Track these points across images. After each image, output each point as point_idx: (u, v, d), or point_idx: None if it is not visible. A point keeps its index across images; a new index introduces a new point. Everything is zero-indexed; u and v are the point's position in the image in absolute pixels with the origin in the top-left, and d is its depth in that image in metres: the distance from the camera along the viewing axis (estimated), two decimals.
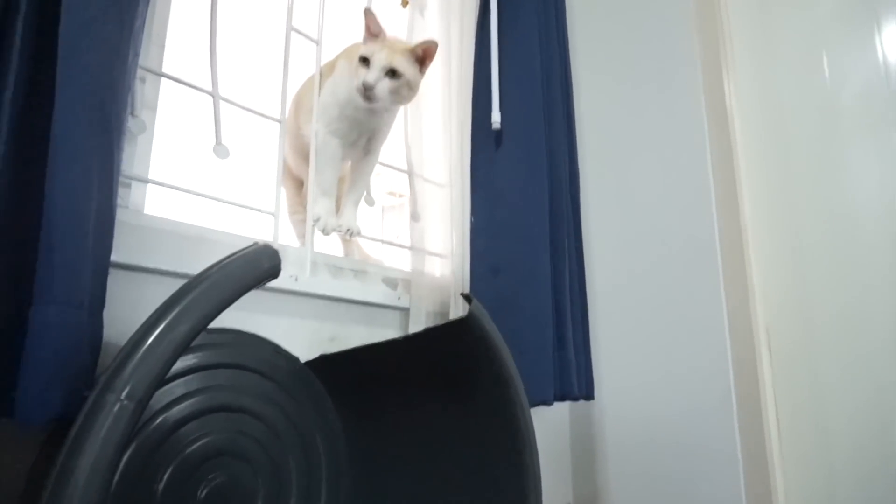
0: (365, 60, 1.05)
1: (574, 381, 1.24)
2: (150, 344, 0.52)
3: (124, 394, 0.49)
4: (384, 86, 1.06)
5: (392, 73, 1.06)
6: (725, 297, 1.38)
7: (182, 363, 0.86)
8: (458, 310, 1.22)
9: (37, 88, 0.63)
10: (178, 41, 1.03)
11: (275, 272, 0.62)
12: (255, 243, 0.64)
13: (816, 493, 1.30)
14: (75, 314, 0.60)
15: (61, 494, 0.46)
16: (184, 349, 0.54)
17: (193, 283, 0.57)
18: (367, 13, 1.05)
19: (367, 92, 1.04)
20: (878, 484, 1.28)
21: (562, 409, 1.52)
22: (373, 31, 1.06)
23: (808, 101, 1.57)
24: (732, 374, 1.34)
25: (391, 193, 2.31)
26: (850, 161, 1.51)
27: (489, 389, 0.91)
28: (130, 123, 0.83)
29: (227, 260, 0.60)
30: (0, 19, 0.62)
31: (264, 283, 0.63)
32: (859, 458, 1.29)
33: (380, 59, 1.04)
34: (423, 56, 1.10)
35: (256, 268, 0.61)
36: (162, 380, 0.52)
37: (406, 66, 1.07)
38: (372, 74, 1.03)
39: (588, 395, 1.31)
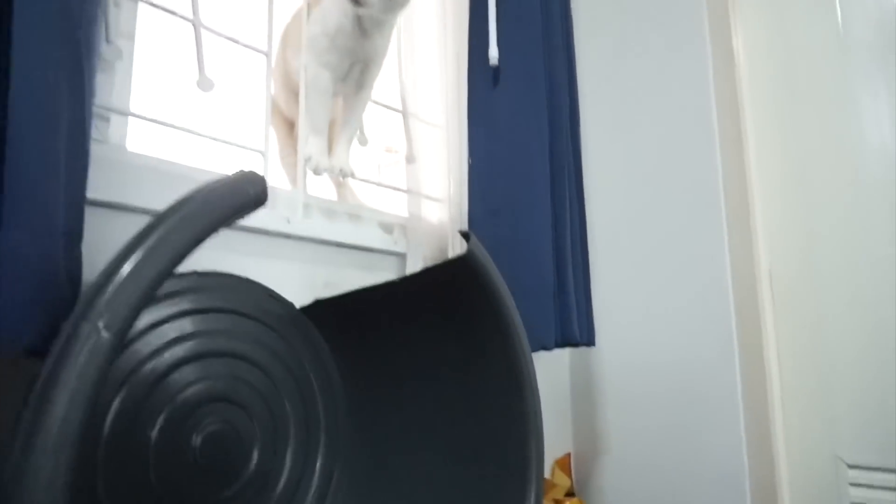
0: None
1: (575, 327, 1.22)
2: (130, 271, 0.48)
3: (101, 322, 0.45)
4: (377, 12, 1.00)
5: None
6: (728, 240, 1.36)
7: (173, 306, 0.82)
8: (455, 252, 1.19)
9: None
10: None
11: (260, 199, 0.58)
12: (241, 171, 0.59)
13: (817, 439, 1.30)
14: (49, 243, 0.56)
15: (39, 427, 0.43)
16: (164, 277, 0.50)
17: (175, 207, 0.53)
18: None
19: (358, 6, 0.98)
20: (880, 429, 1.28)
21: (561, 355, 1.50)
22: None
23: (818, 42, 1.51)
24: (734, 319, 1.32)
25: (388, 150, 2.25)
26: (859, 104, 1.46)
27: (489, 330, 0.88)
28: (104, 50, 0.77)
29: (210, 185, 0.56)
30: None
31: (251, 211, 0.58)
32: (861, 402, 1.28)
33: None
34: None
35: (241, 194, 0.57)
36: (141, 308, 0.48)
37: None
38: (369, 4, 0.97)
39: (589, 340, 1.29)
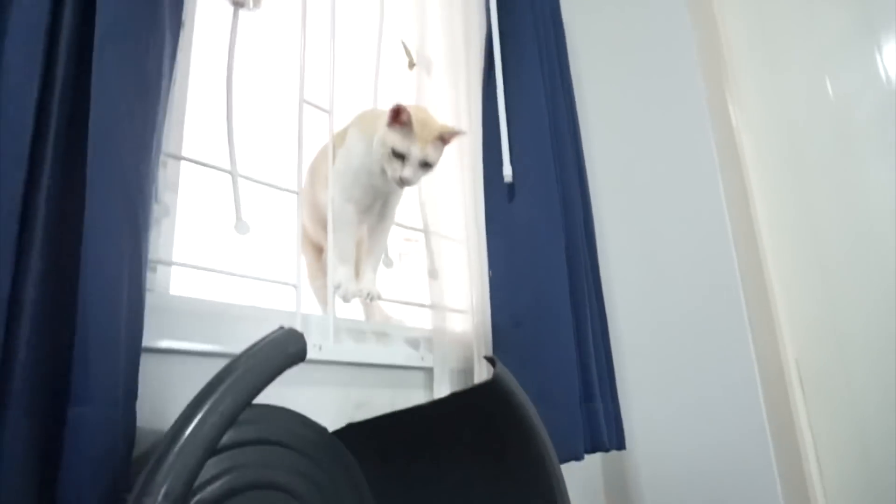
0: (399, 156, 1.08)
1: (604, 432, 1.23)
2: (183, 443, 0.52)
3: (161, 495, 0.49)
4: (418, 175, 1.11)
5: (425, 164, 1.10)
6: (752, 333, 1.37)
7: None
8: (481, 366, 1.22)
9: (69, 188, 0.66)
10: (194, 119, 1.07)
11: (301, 355, 0.63)
12: (281, 328, 0.65)
13: None
14: (111, 411, 0.61)
15: None
16: (216, 443, 0.55)
17: (221, 375, 0.58)
18: (399, 108, 1.07)
19: (403, 184, 1.10)
20: None
21: (594, 461, 1.49)
22: (402, 121, 1.08)
23: (815, 123, 1.58)
24: (765, 411, 1.32)
25: (407, 239, 2.33)
26: (865, 179, 1.51)
27: (518, 450, 0.90)
28: (155, 209, 0.85)
29: (254, 348, 0.61)
30: (36, 119, 0.65)
31: (291, 367, 0.63)
32: None
33: (415, 155, 1.08)
34: (448, 139, 1.14)
35: (283, 353, 0.62)
36: (197, 476, 0.53)
37: (436, 154, 1.12)
38: (408, 171, 1.08)
39: (619, 445, 1.29)
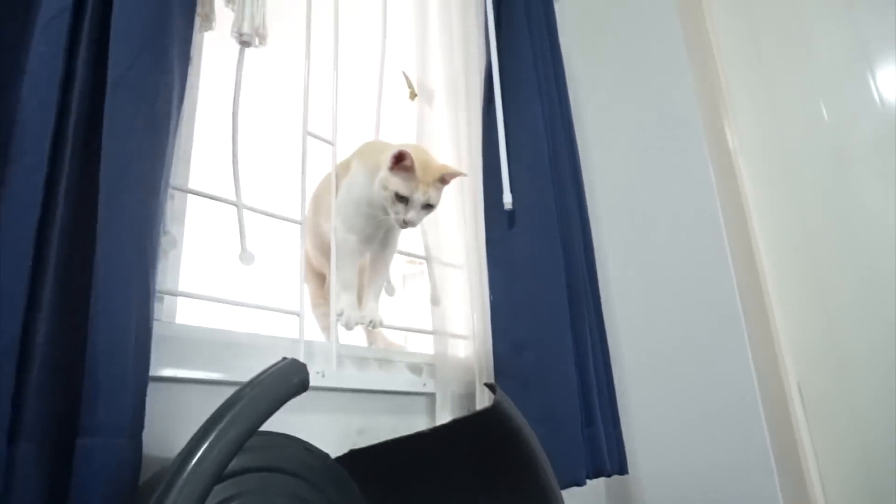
0: (402, 199, 1.11)
1: (606, 457, 1.23)
2: (190, 471, 0.54)
3: None
4: (421, 217, 1.15)
5: (427, 206, 1.14)
6: (752, 355, 1.38)
7: None
8: (483, 391, 1.23)
9: (81, 226, 0.68)
10: (201, 152, 1.10)
11: (304, 385, 0.65)
12: (284, 358, 0.67)
13: None
14: (118, 442, 0.63)
15: None
16: (222, 471, 0.56)
17: (227, 405, 0.59)
18: (401, 154, 1.10)
19: (406, 226, 1.14)
20: None
21: (596, 485, 1.49)
22: (405, 166, 1.11)
23: (811, 147, 1.60)
24: (767, 432, 1.33)
25: (411, 261, 2.36)
26: (862, 202, 1.52)
27: (519, 477, 0.91)
28: (162, 241, 0.88)
29: (258, 379, 0.63)
30: (50, 159, 0.68)
31: (294, 397, 0.65)
32: None
33: (418, 199, 1.12)
34: (448, 180, 1.19)
35: (286, 383, 0.64)
36: (204, 503, 0.54)
37: (437, 195, 1.16)
38: (412, 214, 1.12)
39: (622, 469, 1.30)
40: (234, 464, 0.89)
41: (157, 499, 0.53)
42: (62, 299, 0.66)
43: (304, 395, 1.07)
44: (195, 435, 0.57)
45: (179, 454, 0.55)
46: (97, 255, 0.67)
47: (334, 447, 0.99)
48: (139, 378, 0.70)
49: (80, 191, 0.69)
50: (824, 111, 1.60)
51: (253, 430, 0.59)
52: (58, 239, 0.67)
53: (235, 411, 0.59)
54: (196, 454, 0.54)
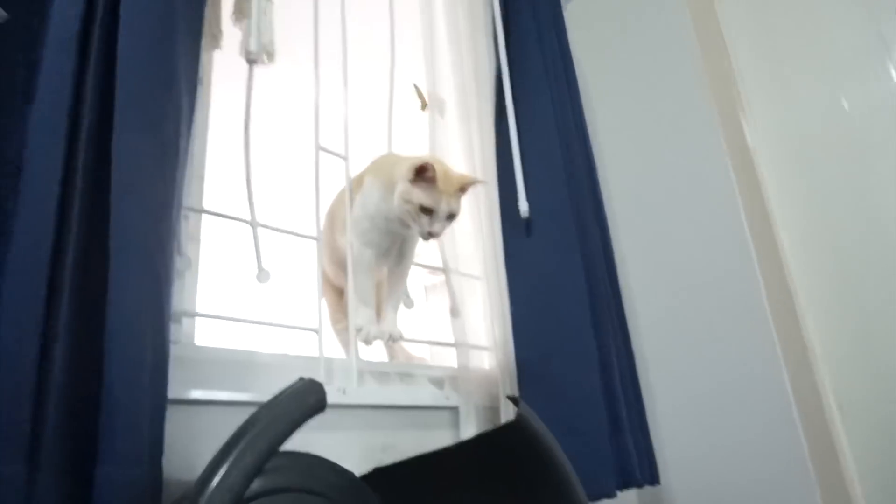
0: (427, 210, 1.11)
1: (635, 466, 1.20)
2: (210, 494, 0.53)
3: None
4: (445, 227, 1.14)
5: (451, 216, 1.14)
6: (784, 358, 1.34)
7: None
8: (507, 404, 1.21)
9: (94, 249, 0.68)
10: (214, 171, 1.10)
11: (321, 405, 0.64)
12: (301, 379, 0.66)
13: None
14: (137, 469, 0.62)
15: None
16: (243, 494, 0.55)
17: (244, 428, 0.58)
18: (424, 166, 1.10)
19: (431, 237, 1.13)
20: None
21: (629, 497, 1.46)
22: (428, 178, 1.11)
23: (831, 137, 1.56)
24: (803, 435, 1.28)
25: (432, 273, 2.34)
26: (886, 193, 1.48)
27: (546, 490, 0.89)
28: (177, 262, 0.87)
29: (275, 400, 0.62)
30: (62, 183, 0.67)
31: (311, 417, 0.64)
32: None
33: (443, 210, 1.12)
34: (467, 189, 1.18)
35: (303, 404, 0.63)
36: None
37: (458, 205, 1.16)
38: (437, 226, 1.12)
39: (652, 479, 1.26)
40: (256, 484, 0.88)
41: None
42: (78, 325, 0.66)
43: (326, 413, 1.06)
44: (212, 460, 0.55)
45: (198, 479, 0.54)
46: (110, 279, 0.66)
47: (359, 465, 0.98)
48: (157, 403, 0.70)
49: (92, 216, 0.69)
50: (844, 102, 1.57)
51: (271, 453, 0.58)
52: (71, 265, 0.66)
53: (252, 435, 0.57)
54: (213, 480, 0.53)
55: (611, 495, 1.11)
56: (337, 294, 1.30)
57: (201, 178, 1.04)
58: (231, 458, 0.55)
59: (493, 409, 1.24)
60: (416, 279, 1.21)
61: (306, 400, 0.63)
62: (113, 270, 0.67)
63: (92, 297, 0.66)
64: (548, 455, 0.86)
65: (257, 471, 0.57)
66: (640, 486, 1.21)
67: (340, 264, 1.22)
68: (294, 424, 0.61)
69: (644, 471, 1.23)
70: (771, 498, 1.28)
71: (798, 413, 1.30)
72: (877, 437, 1.33)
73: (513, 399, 0.86)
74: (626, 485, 1.17)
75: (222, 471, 0.54)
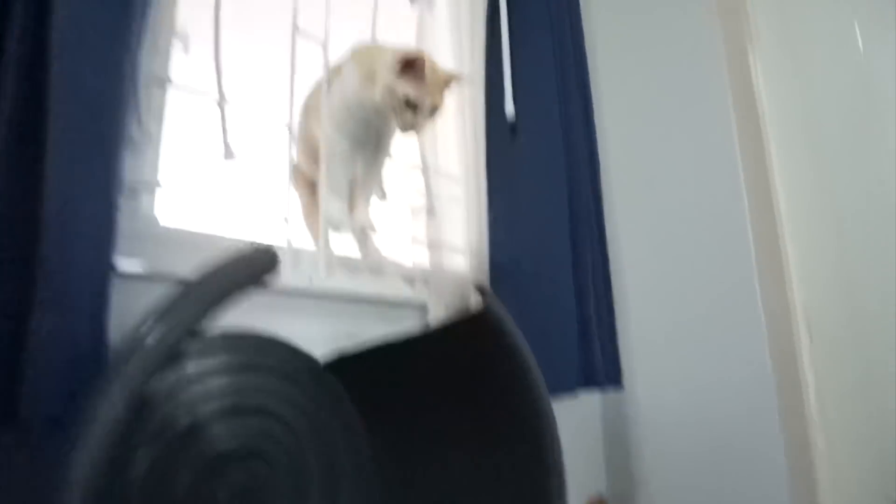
0: (411, 104, 1.07)
1: (600, 369, 1.22)
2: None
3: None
4: (427, 122, 1.11)
5: (434, 110, 1.10)
6: (759, 280, 1.35)
7: (200, 366, 0.86)
8: (477, 303, 1.21)
9: (32, 105, 0.64)
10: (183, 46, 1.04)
11: (269, 268, 0.62)
12: (251, 244, 0.64)
13: (863, 479, 1.25)
14: (74, 321, 0.61)
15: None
16: (178, 345, 0.54)
17: (190, 282, 0.57)
18: (414, 59, 1.05)
19: (413, 130, 1.10)
20: None
21: (593, 401, 1.49)
22: (416, 71, 1.06)
23: (841, 75, 1.51)
24: (770, 359, 1.30)
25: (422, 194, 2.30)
26: (888, 134, 1.45)
27: (508, 381, 0.90)
28: (136, 133, 0.84)
29: (223, 260, 0.60)
30: None
31: (263, 276, 0.62)
32: None
33: (427, 105, 1.08)
34: (451, 85, 1.13)
35: (251, 266, 0.61)
36: (156, 373, 0.52)
37: (443, 99, 1.11)
38: (420, 119, 1.09)
39: (616, 382, 1.28)
40: (222, 360, 0.88)
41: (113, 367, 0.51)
42: (13, 177, 0.63)
43: (293, 299, 1.05)
44: (151, 309, 0.54)
45: (133, 327, 0.53)
46: (49, 134, 0.63)
47: (323, 352, 0.98)
48: (100, 264, 0.68)
49: (31, 68, 0.65)
50: (859, 37, 1.50)
51: (212, 309, 0.57)
52: (6, 122, 0.63)
53: (195, 288, 0.56)
54: (145, 328, 0.52)
55: (571, 391, 1.12)
56: (310, 188, 1.26)
57: (167, 51, 0.99)
58: (171, 307, 0.54)
59: (464, 310, 1.24)
60: (402, 202, 1.20)
61: (257, 261, 0.61)
62: (53, 124, 0.64)
63: (28, 160, 0.63)
64: (511, 346, 0.86)
65: (195, 324, 0.56)
66: (602, 386, 1.23)
67: (315, 157, 1.19)
68: (241, 284, 0.60)
69: (609, 374, 1.25)
70: (730, 404, 1.31)
71: (767, 335, 1.31)
72: (839, 348, 1.35)
73: (480, 289, 0.85)
74: (587, 383, 1.19)
75: (160, 319, 0.53)
